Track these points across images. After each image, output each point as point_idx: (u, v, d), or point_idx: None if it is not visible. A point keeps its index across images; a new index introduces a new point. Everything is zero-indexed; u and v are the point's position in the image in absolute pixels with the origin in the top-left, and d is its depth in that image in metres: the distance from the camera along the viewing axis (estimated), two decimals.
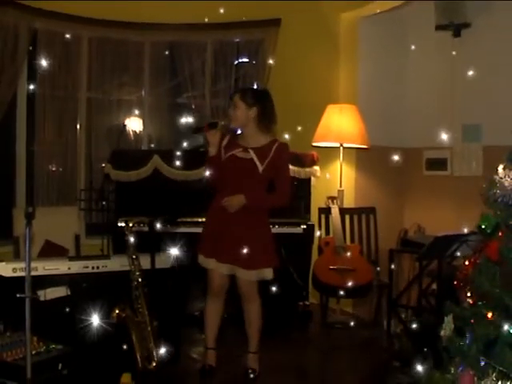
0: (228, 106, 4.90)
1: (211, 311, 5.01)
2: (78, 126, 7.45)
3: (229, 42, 7.73)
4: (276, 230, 5.86)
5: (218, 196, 4.88)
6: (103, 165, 6.65)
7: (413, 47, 7.17)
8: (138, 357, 4.51)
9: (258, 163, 4.75)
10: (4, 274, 4.59)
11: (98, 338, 4.52)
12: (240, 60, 7.80)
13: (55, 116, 7.29)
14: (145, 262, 4.59)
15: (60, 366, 4.08)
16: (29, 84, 7.21)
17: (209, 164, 4.85)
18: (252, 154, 4.77)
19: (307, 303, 6.53)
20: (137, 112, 7.68)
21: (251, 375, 4.93)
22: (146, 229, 4.65)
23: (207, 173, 4.87)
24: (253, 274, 4.78)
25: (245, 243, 4.65)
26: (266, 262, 4.82)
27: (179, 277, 5.12)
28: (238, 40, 7.74)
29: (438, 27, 6.74)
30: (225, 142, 4.84)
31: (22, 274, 4.07)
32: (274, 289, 5.20)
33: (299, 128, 6.48)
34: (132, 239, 4.49)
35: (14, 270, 4.55)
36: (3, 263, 4.62)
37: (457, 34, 6.70)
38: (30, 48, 7.05)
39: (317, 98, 7.07)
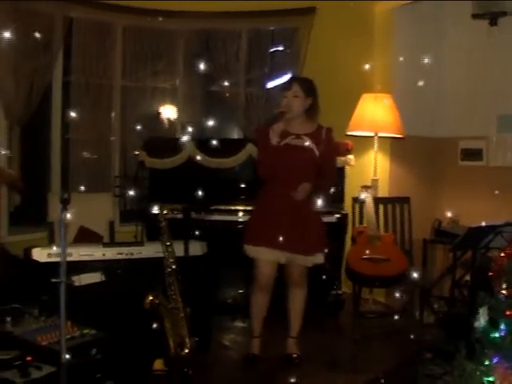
0: (283, 93, 4.88)
1: (259, 301, 5.02)
2: (113, 114, 7.49)
3: (263, 30, 7.70)
4: None
5: (268, 184, 4.89)
6: (136, 152, 6.69)
7: (449, 36, 7.09)
8: (171, 343, 4.55)
9: (315, 149, 4.78)
10: (39, 259, 4.64)
11: (131, 323, 4.56)
12: (274, 48, 7.78)
13: (90, 104, 7.33)
14: (178, 248, 4.62)
15: (94, 350, 4.12)
16: (64, 72, 7.26)
17: (266, 153, 4.84)
18: (308, 141, 4.80)
19: (340, 292, 6.52)
20: (171, 100, 7.69)
21: (296, 360, 4.97)
22: (179, 216, 4.67)
23: (263, 161, 4.87)
24: (310, 259, 4.83)
25: (302, 230, 4.68)
26: (321, 246, 4.87)
27: (212, 264, 5.14)
28: (272, 28, 7.71)
29: (475, 16, 6.65)
30: (277, 131, 4.82)
31: (57, 259, 4.10)
32: (307, 277, 5.21)
33: (334, 117, 6.46)
34: (166, 226, 4.52)
35: (49, 255, 4.60)
36: (38, 248, 4.67)
37: (493, 22, 6.61)
38: (65, 37, 7.07)
39: (351, 86, 7.02)
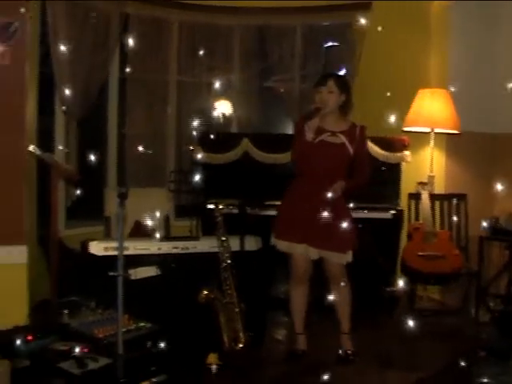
0: (318, 89, 4.86)
1: (297, 297, 5.02)
2: (169, 110, 7.54)
3: (318, 26, 7.68)
4: (365, 214, 5.84)
5: (299, 180, 4.89)
6: (191, 147, 6.72)
7: (505, 32, 6.97)
8: (225, 338, 4.57)
9: (349, 147, 4.77)
10: (96, 253, 4.71)
11: (186, 317, 4.59)
12: (329, 44, 7.76)
13: (146, 99, 7.40)
14: (233, 243, 4.64)
15: (149, 344, 4.17)
16: (120, 68, 7.34)
17: (301, 148, 4.83)
18: (343, 138, 4.80)
19: (394, 289, 6.48)
20: (226, 95, 7.71)
21: (351, 357, 4.95)
22: (235, 211, 4.69)
23: (297, 156, 4.87)
24: (344, 256, 4.79)
25: (333, 227, 4.65)
26: (352, 244, 4.83)
27: (266, 259, 5.15)
28: (327, 24, 7.69)
29: None
30: (313, 127, 4.81)
31: (113, 253, 4.16)
32: (361, 274, 5.19)
33: (389, 112, 6.40)
34: (222, 221, 4.54)
35: (106, 248, 4.66)
36: (95, 242, 4.74)
37: None
38: (122, 33, 7.14)
39: (407, 82, 6.95)
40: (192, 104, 7.71)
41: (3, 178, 4.75)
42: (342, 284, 4.90)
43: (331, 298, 4.93)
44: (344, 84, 4.92)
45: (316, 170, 4.77)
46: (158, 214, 4.78)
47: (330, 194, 4.65)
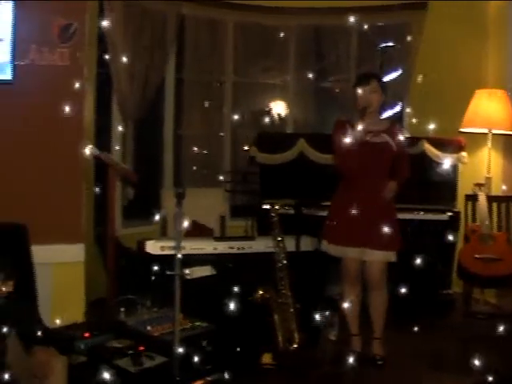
0: (360, 88, 4.83)
1: (350, 299, 4.99)
2: (224, 110, 7.57)
3: (374, 26, 7.63)
4: (421, 216, 5.80)
5: (345, 183, 4.85)
6: (246, 148, 6.74)
7: None
8: (280, 338, 4.56)
9: (393, 145, 4.76)
10: (152, 252, 4.75)
11: (241, 317, 4.59)
12: (385, 44, 7.70)
13: (202, 100, 7.43)
14: (289, 244, 4.63)
15: (204, 343, 4.18)
16: (177, 69, 7.39)
17: (345, 148, 4.80)
18: (386, 137, 4.77)
19: (450, 292, 6.41)
20: (281, 96, 7.71)
21: (379, 362, 4.90)
22: (291, 211, 4.68)
23: (342, 157, 4.83)
24: (389, 255, 4.77)
25: (381, 226, 4.62)
26: (399, 243, 4.80)
27: (322, 260, 5.13)
28: (383, 24, 7.63)
29: None
30: (358, 128, 4.77)
31: (169, 252, 4.19)
32: (417, 276, 5.14)
33: (446, 113, 6.33)
34: (278, 221, 4.54)
35: (162, 248, 4.70)
36: (152, 241, 4.78)
37: None
38: (178, 34, 7.19)
39: (464, 82, 6.87)
40: (248, 104, 7.72)
41: (62, 178, 4.81)
42: (380, 290, 4.87)
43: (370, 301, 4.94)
44: (384, 84, 4.97)
45: (363, 171, 4.74)
46: (214, 215, 4.79)
47: (386, 196, 4.63)
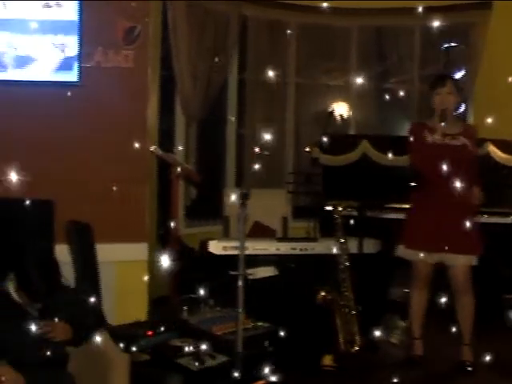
0: (436, 90, 4.77)
1: (418, 302, 4.94)
2: (287, 111, 7.57)
3: (437, 26, 7.54)
4: (485, 219, 5.69)
5: (424, 187, 4.79)
6: (307, 149, 6.73)
7: None
8: (341, 340, 4.54)
9: (470, 147, 4.69)
10: (215, 252, 4.77)
11: (303, 318, 4.59)
12: (449, 44, 7.61)
13: (264, 101, 7.45)
14: (351, 245, 4.61)
15: (266, 343, 4.18)
16: (239, 69, 7.42)
17: (423, 151, 4.74)
18: (464, 140, 4.70)
19: None
20: (344, 97, 7.68)
21: (469, 368, 4.82)
22: (354, 213, 4.66)
23: (419, 160, 4.78)
24: (472, 259, 4.71)
25: (462, 229, 4.55)
26: (480, 247, 4.73)
27: (384, 262, 5.10)
28: (447, 24, 7.53)
29: None
30: (435, 130, 4.72)
31: (232, 252, 4.20)
32: (481, 281, 5.06)
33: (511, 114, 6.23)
34: (341, 223, 4.51)
35: (225, 248, 4.71)
36: (215, 241, 4.80)
37: None
38: (240, 35, 7.21)
39: None
40: (310, 105, 7.72)
41: (126, 178, 4.86)
42: (467, 296, 4.81)
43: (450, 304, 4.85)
44: (459, 85, 4.90)
45: (441, 174, 4.66)
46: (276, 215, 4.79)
47: (475, 203, 4.58)
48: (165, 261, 3.42)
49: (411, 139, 4.80)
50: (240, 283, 3.68)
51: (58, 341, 3.36)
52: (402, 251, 4.82)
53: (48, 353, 3.26)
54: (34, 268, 3.41)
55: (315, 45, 7.66)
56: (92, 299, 3.95)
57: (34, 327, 3.25)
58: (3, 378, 3.21)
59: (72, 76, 4.71)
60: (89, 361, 3.52)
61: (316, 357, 4.57)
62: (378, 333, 4.95)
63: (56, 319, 3.37)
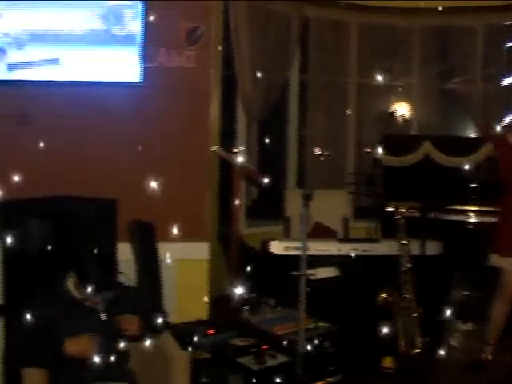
0: None
1: (502, 310, 4.83)
2: (348, 111, 7.54)
3: (500, 26, 7.44)
4: None
5: None
6: (367, 150, 6.70)
7: None
8: (402, 342, 4.51)
9: None
10: (276, 252, 4.78)
11: (363, 319, 4.57)
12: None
13: (325, 101, 7.44)
14: (413, 247, 4.57)
15: (326, 343, 4.18)
16: (301, 70, 7.41)
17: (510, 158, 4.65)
18: None
19: None
20: (405, 97, 7.62)
21: None
22: (416, 214, 4.62)
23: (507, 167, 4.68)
24: None
25: None
26: None
27: (446, 265, 5.04)
28: (509, 23, 7.43)
29: None
30: None
31: (293, 252, 4.20)
32: None
33: None
34: (403, 224, 4.48)
35: (286, 248, 4.72)
36: (276, 241, 4.81)
37: None
38: (302, 35, 7.21)
39: None
40: (371, 106, 7.68)
41: (188, 178, 4.90)
42: None
43: None
44: None
45: None
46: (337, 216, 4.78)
47: None
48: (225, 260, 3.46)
49: (496, 151, 4.71)
50: (302, 284, 3.68)
51: (128, 335, 3.42)
52: (496, 260, 4.72)
53: (114, 347, 3.32)
54: (93, 267, 3.46)
55: (377, 45, 7.61)
56: (154, 297, 4.01)
57: (105, 322, 3.32)
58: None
59: (135, 77, 4.76)
60: (150, 358, 3.56)
61: (376, 358, 4.55)
62: (438, 335, 4.91)
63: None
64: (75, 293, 3.46)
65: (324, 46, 7.40)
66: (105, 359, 3.26)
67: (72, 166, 4.76)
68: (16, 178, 4.18)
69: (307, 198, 3.68)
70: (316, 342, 4.13)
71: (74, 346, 3.24)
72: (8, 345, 3.70)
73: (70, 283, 3.49)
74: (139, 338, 3.50)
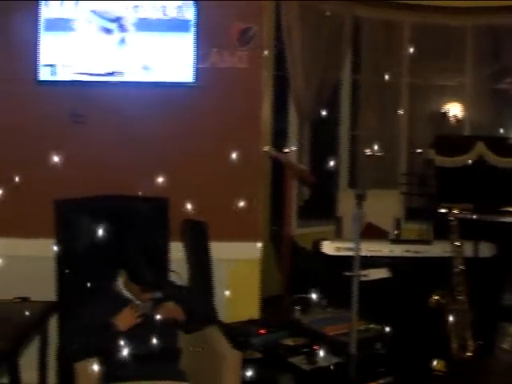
0: None
1: None
2: (400, 111, 7.49)
3: None
4: None
5: None
6: (419, 150, 6.65)
7: None
8: (453, 345, 4.47)
9: None
10: (328, 252, 4.77)
11: (415, 321, 4.55)
12: None
13: (377, 101, 7.41)
14: (466, 249, 4.53)
15: (378, 345, 4.16)
16: (353, 70, 7.39)
17: None
18: None
19: None
20: (458, 97, 7.55)
21: None
22: (469, 216, 4.57)
23: None
24: None
25: None
26: None
27: (500, 267, 4.99)
28: None
29: None
30: None
31: (345, 253, 4.19)
32: None
33: None
34: (456, 226, 4.44)
35: (338, 248, 4.71)
36: (328, 242, 4.80)
37: None
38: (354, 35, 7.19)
39: None
40: (424, 106, 7.62)
41: (241, 177, 4.91)
42: None
43: None
44: None
45: None
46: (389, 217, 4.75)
47: None
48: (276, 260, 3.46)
49: None
50: (355, 284, 3.68)
51: (169, 323, 3.46)
52: None
53: (159, 345, 3.36)
54: (145, 265, 3.50)
55: (429, 44, 7.54)
56: (205, 296, 4.04)
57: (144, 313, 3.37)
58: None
59: (188, 77, 4.80)
60: (201, 357, 3.59)
61: (427, 361, 4.52)
62: (490, 338, 4.86)
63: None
64: (124, 291, 3.51)
65: (376, 45, 7.36)
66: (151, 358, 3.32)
67: (125, 165, 4.81)
68: (70, 177, 4.27)
69: (360, 199, 3.68)
70: (367, 343, 4.11)
71: (121, 320, 3.32)
72: (62, 341, 3.77)
73: (120, 282, 3.54)
74: (183, 326, 3.55)
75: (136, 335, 3.34)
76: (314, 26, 6.68)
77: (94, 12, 4.61)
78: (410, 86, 7.60)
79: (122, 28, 4.68)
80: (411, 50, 7.44)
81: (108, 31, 4.65)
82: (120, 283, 3.55)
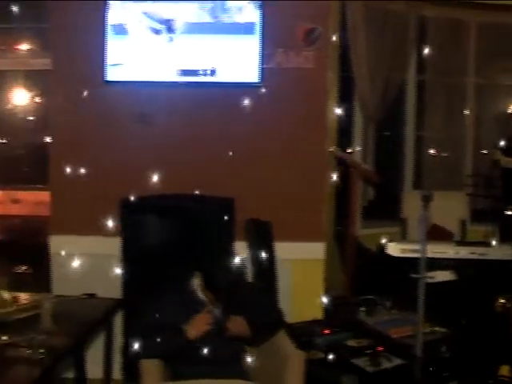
0: None
1: None
2: (466, 112, 7.40)
3: None
4: None
5: None
6: (485, 151, 6.57)
7: None
8: None
9: None
10: (393, 254, 4.75)
11: (481, 325, 4.49)
12: None
13: (443, 101, 7.32)
14: None
15: (443, 348, 4.13)
16: (418, 70, 7.33)
17: None
18: None
19: None
20: None
21: None
22: None
23: None
24: None
25: None
26: None
27: None
28: None
29: None
30: None
31: (410, 254, 4.17)
32: None
33: None
34: None
35: (403, 250, 4.68)
36: (393, 243, 4.77)
37: None
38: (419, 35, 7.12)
39: None
40: (490, 106, 7.52)
41: (306, 178, 4.94)
42: None
43: None
44: None
45: None
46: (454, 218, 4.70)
47: None
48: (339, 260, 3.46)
49: None
50: (421, 287, 3.66)
51: (236, 337, 3.48)
52: None
53: (225, 347, 3.40)
54: (219, 267, 3.53)
55: (496, 44, 7.43)
56: (271, 297, 4.06)
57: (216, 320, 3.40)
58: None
59: (254, 77, 4.83)
60: (265, 357, 3.61)
61: (493, 366, 4.46)
62: None
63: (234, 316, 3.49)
64: (200, 294, 3.55)
65: (442, 45, 7.28)
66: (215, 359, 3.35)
67: (191, 165, 4.87)
68: (136, 177, 4.33)
69: (426, 200, 3.65)
70: (432, 346, 4.09)
71: (193, 328, 3.35)
72: (128, 338, 3.83)
73: (196, 283, 3.58)
74: (249, 342, 3.57)
75: (204, 340, 3.37)
76: (378, 26, 6.64)
77: (149, 15, 4.71)
78: (476, 86, 7.50)
79: (187, 31, 4.75)
80: (477, 49, 7.37)
81: (170, 30, 4.73)
82: (196, 285, 3.59)
